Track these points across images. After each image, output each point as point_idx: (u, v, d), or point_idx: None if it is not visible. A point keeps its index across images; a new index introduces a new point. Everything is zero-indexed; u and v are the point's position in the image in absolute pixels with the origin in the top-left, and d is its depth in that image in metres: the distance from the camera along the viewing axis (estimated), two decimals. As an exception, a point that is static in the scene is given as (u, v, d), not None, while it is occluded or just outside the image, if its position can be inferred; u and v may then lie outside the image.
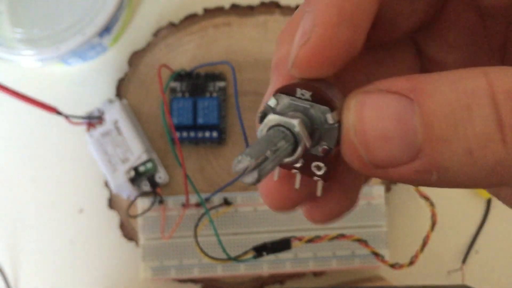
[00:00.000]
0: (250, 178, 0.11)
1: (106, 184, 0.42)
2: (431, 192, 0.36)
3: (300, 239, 0.34)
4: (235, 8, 0.42)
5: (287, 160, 0.13)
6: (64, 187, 0.42)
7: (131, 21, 0.44)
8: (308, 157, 0.13)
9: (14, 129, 0.43)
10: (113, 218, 0.42)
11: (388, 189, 0.40)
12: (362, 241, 0.34)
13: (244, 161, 0.11)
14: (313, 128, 0.13)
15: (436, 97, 0.10)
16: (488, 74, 0.10)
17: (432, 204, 0.35)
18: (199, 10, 0.42)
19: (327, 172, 0.13)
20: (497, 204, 0.41)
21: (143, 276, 0.38)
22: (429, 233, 0.34)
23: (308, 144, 0.12)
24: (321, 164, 0.13)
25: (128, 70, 0.42)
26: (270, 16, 0.42)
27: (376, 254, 0.34)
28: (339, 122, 0.12)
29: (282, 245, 0.34)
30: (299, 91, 0.13)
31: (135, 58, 0.42)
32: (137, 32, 0.43)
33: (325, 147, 0.13)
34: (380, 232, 0.38)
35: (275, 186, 0.14)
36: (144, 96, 0.42)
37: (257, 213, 0.38)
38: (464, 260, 0.41)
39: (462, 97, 0.10)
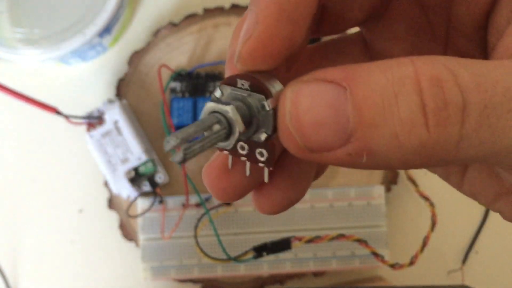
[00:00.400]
0: (177, 157, 0.12)
1: (106, 184, 0.42)
2: (431, 192, 0.36)
3: (300, 239, 0.34)
4: (235, 8, 0.42)
5: (223, 144, 0.13)
6: (64, 187, 0.42)
7: (131, 21, 0.44)
8: (251, 144, 0.14)
9: (14, 129, 0.43)
10: (113, 218, 0.42)
11: (388, 189, 0.40)
12: (362, 241, 0.34)
13: (171, 141, 0.12)
14: (252, 115, 0.14)
15: (367, 85, 0.11)
16: (414, 62, 0.11)
17: (432, 204, 0.35)
18: (199, 10, 0.42)
19: (269, 158, 0.14)
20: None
21: (143, 276, 0.38)
22: (429, 233, 0.34)
23: (241, 129, 0.13)
24: (263, 151, 0.14)
25: (128, 70, 0.42)
26: (270, 16, 0.42)
27: (376, 254, 0.34)
28: (274, 109, 0.13)
29: (282, 245, 0.34)
30: (239, 82, 0.14)
31: (135, 58, 0.42)
32: (137, 32, 0.43)
33: (264, 133, 0.14)
34: (380, 232, 0.38)
35: (217, 175, 0.15)
36: (144, 96, 0.42)
37: (257, 213, 0.38)
38: (464, 260, 0.41)
39: (390, 85, 0.11)
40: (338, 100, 0.11)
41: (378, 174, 0.40)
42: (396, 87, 0.11)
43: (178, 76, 0.41)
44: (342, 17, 0.16)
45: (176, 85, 0.41)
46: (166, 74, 0.40)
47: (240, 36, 0.13)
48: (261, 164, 0.14)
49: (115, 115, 0.39)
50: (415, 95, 0.11)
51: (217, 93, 0.14)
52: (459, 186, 0.17)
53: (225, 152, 0.15)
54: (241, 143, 0.14)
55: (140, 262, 0.38)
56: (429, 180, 0.40)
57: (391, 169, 0.12)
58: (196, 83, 0.41)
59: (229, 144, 0.13)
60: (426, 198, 0.36)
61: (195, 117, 0.40)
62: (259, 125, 0.14)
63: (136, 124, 0.40)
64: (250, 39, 0.13)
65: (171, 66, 0.41)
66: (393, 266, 0.34)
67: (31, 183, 0.43)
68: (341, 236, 0.34)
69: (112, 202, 0.42)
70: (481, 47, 0.16)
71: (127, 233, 0.41)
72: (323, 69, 0.12)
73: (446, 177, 0.18)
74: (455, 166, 0.17)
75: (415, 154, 0.11)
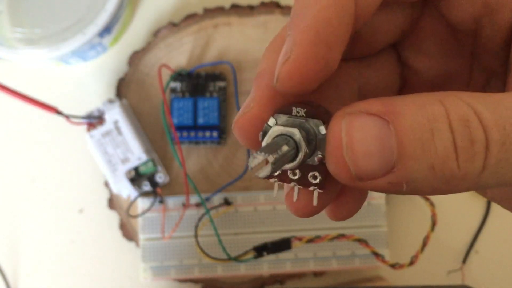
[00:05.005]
0: (264, 171, 0.13)
1: (106, 184, 0.42)
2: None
3: (300, 239, 0.34)
4: (235, 8, 0.42)
5: (290, 165, 0.14)
6: (64, 187, 0.42)
7: (131, 21, 0.44)
8: (304, 168, 0.15)
9: (14, 129, 0.43)
10: (113, 218, 0.42)
11: (388, 189, 0.40)
12: (362, 241, 0.34)
13: (258, 157, 0.13)
14: (309, 140, 0.15)
15: (407, 120, 0.12)
16: (443, 101, 0.13)
17: (432, 204, 0.35)
18: (199, 10, 0.42)
19: (322, 180, 0.15)
20: (497, 204, 0.41)
21: (143, 276, 0.38)
22: (429, 233, 0.34)
23: (307, 150, 0.14)
24: (317, 173, 0.15)
25: (128, 70, 0.42)
26: (270, 16, 0.42)
27: (376, 254, 0.34)
28: None
29: (282, 245, 0.34)
30: (294, 110, 0.15)
31: (135, 58, 0.42)
32: (137, 32, 0.43)
33: (320, 155, 0.14)
34: (380, 232, 0.38)
35: (302, 204, 0.16)
36: (144, 96, 0.42)
37: (257, 213, 0.38)
38: (464, 260, 0.41)
39: (426, 122, 0.12)
40: (383, 134, 0.13)
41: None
42: (432, 124, 0.12)
43: (178, 76, 0.41)
44: (373, 39, 0.17)
45: (176, 85, 0.41)
46: (166, 74, 0.40)
47: (279, 59, 0.14)
48: (312, 188, 0.15)
49: (115, 115, 0.39)
50: (448, 133, 0.12)
51: (271, 122, 0.15)
52: (483, 193, 0.19)
53: (272, 181, 0.16)
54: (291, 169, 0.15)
55: (140, 262, 0.38)
56: (429, 180, 0.40)
57: (424, 195, 0.14)
58: (196, 83, 0.41)
59: (295, 165, 0.14)
60: (426, 198, 0.36)
61: (195, 117, 0.40)
62: (315, 148, 0.15)
63: (136, 124, 0.40)
64: (288, 61, 0.14)
65: (171, 66, 0.41)
66: (393, 266, 0.34)
67: (31, 183, 0.43)
68: (341, 236, 0.34)
69: (112, 202, 0.42)
70: (506, 64, 0.17)
71: (127, 233, 0.41)
72: (364, 101, 0.13)
73: (483, 193, 0.19)
74: None
75: (446, 183, 0.13)
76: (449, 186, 0.13)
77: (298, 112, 0.15)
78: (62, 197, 0.42)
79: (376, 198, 0.38)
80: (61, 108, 0.36)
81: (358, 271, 0.41)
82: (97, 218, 0.42)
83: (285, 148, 0.14)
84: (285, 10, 0.42)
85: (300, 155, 0.14)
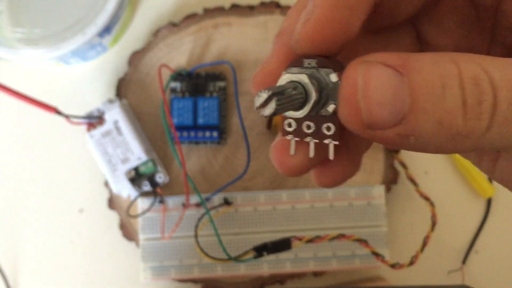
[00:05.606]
0: (268, 109, 0.13)
1: (106, 184, 0.42)
2: (431, 192, 0.36)
3: (300, 239, 0.34)
4: (235, 8, 0.42)
5: (300, 112, 0.14)
6: (64, 187, 0.42)
7: (131, 21, 0.44)
8: (318, 119, 0.15)
9: (14, 129, 0.43)
10: (113, 218, 0.42)
11: (388, 189, 0.40)
12: (362, 241, 0.34)
13: (263, 95, 0.13)
14: (320, 88, 0.15)
15: (421, 74, 0.13)
16: (458, 61, 0.13)
17: (432, 204, 0.35)
18: (199, 10, 0.42)
19: (336, 132, 0.15)
20: (497, 204, 0.41)
21: (143, 276, 0.38)
22: (429, 233, 0.34)
23: (316, 96, 0.14)
24: (331, 124, 0.15)
25: (128, 70, 0.42)
26: (270, 16, 0.42)
27: (376, 254, 0.34)
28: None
29: (282, 245, 0.34)
30: (306, 62, 0.15)
31: (135, 58, 0.42)
32: (137, 32, 0.43)
33: (333, 105, 0.14)
34: (380, 232, 0.38)
35: (288, 158, 0.16)
36: (144, 96, 0.42)
37: (257, 213, 0.38)
38: (464, 260, 0.41)
39: (439, 78, 0.13)
40: (397, 84, 0.13)
41: (378, 174, 0.40)
42: (444, 80, 0.13)
43: (178, 76, 0.41)
44: (395, 10, 0.17)
45: (176, 85, 0.41)
46: (166, 74, 0.40)
47: (299, 19, 0.14)
48: (327, 140, 0.15)
49: (115, 115, 0.39)
50: (459, 90, 0.13)
51: (284, 77, 0.15)
52: (491, 173, 0.19)
53: (289, 137, 0.15)
54: (307, 122, 0.15)
55: (140, 262, 0.38)
56: (429, 180, 0.41)
57: (428, 152, 0.14)
58: (196, 83, 0.41)
59: (304, 112, 0.14)
60: (426, 198, 0.36)
61: (195, 117, 0.40)
62: (328, 98, 0.15)
63: (136, 124, 0.40)
64: (309, 22, 0.14)
65: (171, 66, 0.41)
66: (393, 266, 0.34)
67: (31, 183, 0.43)
68: (341, 236, 0.34)
69: (112, 202, 0.42)
70: None
71: (127, 233, 0.41)
72: (381, 52, 0.13)
73: (478, 164, 0.19)
74: (487, 154, 0.19)
75: (451, 139, 0.13)
76: (453, 143, 0.13)
77: (310, 64, 0.15)
78: (62, 197, 0.42)
79: (376, 198, 0.38)
80: (61, 108, 0.36)
81: (358, 271, 0.41)
82: (97, 218, 0.42)
83: (291, 91, 0.14)
84: (285, 10, 0.42)
85: (309, 102, 0.14)
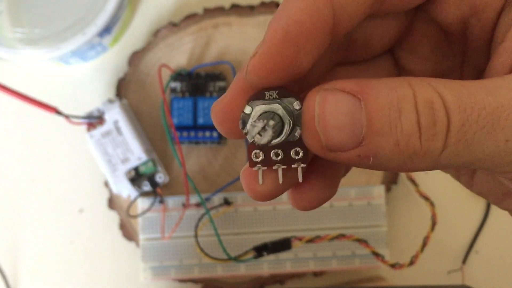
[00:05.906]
0: (266, 137, 0.14)
1: (106, 184, 0.42)
2: (431, 192, 0.37)
3: (300, 239, 0.34)
4: (235, 8, 0.42)
5: (277, 140, 0.15)
6: (64, 187, 0.42)
7: (131, 21, 0.44)
8: (286, 147, 0.16)
9: (14, 129, 0.43)
10: (113, 218, 0.42)
11: (388, 189, 0.40)
12: (362, 241, 0.34)
13: (258, 124, 0.14)
14: (289, 116, 0.15)
15: (378, 99, 0.13)
16: (412, 85, 0.14)
17: (432, 204, 0.35)
18: (199, 10, 0.42)
19: (305, 154, 0.16)
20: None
21: (143, 276, 0.38)
22: (429, 233, 0.34)
23: (291, 122, 0.15)
24: (298, 149, 0.16)
25: (128, 70, 0.42)
26: (270, 16, 0.42)
27: (376, 254, 0.34)
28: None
29: (282, 245, 0.34)
30: (267, 94, 0.15)
31: (135, 58, 0.42)
32: (137, 32, 0.43)
33: (299, 129, 0.15)
34: (380, 232, 0.38)
35: (258, 186, 0.17)
36: (144, 96, 0.42)
37: (257, 213, 0.38)
38: (464, 260, 0.41)
39: (395, 102, 0.13)
40: (355, 110, 0.14)
41: (379, 174, 0.40)
42: (400, 104, 0.13)
43: (178, 76, 0.41)
44: (369, 45, 0.18)
45: (176, 85, 0.41)
46: (166, 74, 0.40)
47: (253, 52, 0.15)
48: (295, 165, 0.16)
49: (115, 115, 0.39)
50: (414, 113, 0.13)
51: (247, 110, 0.15)
52: (469, 186, 0.20)
53: (256, 168, 0.16)
54: (275, 150, 0.16)
55: (140, 262, 0.38)
56: (429, 180, 0.41)
57: (389, 170, 0.15)
58: (196, 83, 0.41)
59: (281, 138, 0.15)
60: (426, 198, 0.36)
61: (195, 117, 0.40)
62: (295, 124, 0.15)
63: (136, 124, 0.40)
64: (255, 56, 0.15)
65: (171, 66, 0.41)
66: (393, 266, 0.34)
67: (31, 183, 0.43)
68: (341, 236, 0.34)
69: (112, 202, 0.42)
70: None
71: (127, 233, 0.41)
72: (340, 80, 0.14)
73: (457, 177, 0.20)
74: (464, 169, 0.19)
75: (409, 159, 0.14)
76: (412, 163, 0.14)
77: (271, 95, 0.15)
78: (62, 197, 0.42)
79: (376, 198, 0.38)
80: (61, 108, 0.36)
81: (358, 271, 0.41)
82: (97, 218, 0.42)
83: (271, 122, 0.15)
84: (285, 10, 0.42)
85: (286, 127, 0.15)
